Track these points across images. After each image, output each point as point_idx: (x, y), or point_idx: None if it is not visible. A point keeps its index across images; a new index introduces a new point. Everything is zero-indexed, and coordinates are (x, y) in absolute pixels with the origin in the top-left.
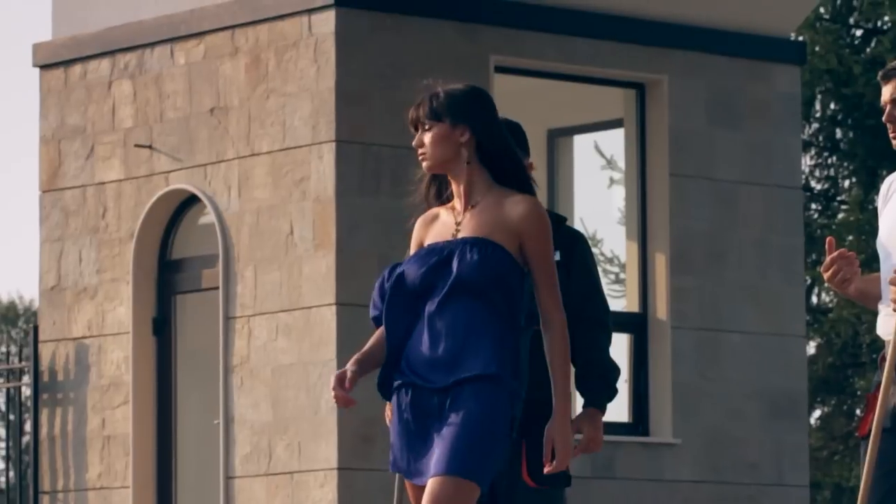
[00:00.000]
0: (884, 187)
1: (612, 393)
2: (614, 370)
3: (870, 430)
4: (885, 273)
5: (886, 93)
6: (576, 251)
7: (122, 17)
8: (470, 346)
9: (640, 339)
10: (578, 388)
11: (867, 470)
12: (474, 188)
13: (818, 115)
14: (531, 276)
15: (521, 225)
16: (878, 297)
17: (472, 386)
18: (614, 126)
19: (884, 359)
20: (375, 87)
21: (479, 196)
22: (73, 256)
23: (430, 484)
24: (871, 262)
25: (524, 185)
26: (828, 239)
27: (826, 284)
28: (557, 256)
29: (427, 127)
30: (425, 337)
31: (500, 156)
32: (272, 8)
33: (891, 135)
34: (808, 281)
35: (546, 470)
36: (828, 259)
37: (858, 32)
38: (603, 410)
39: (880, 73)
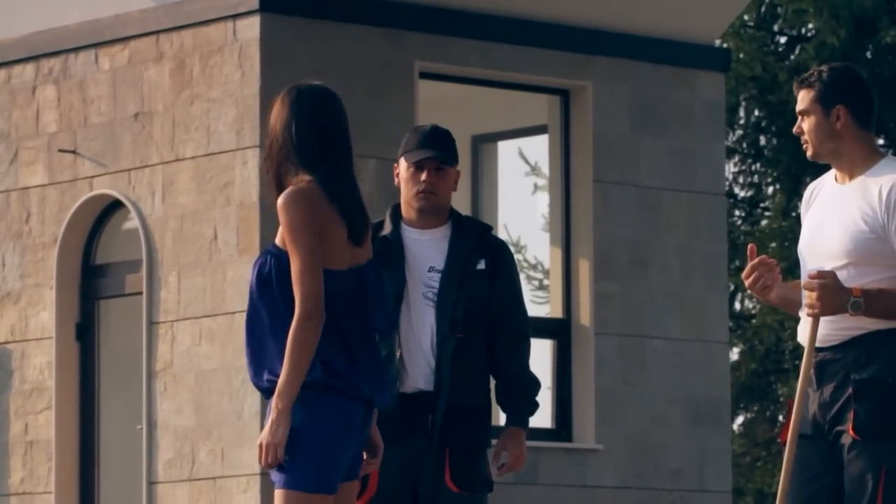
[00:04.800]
0: (806, 194)
1: (533, 408)
2: (535, 384)
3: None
4: (804, 280)
5: (799, 103)
6: (500, 261)
7: (46, 22)
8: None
9: (564, 346)
10: (500, 403)
11: (783, 475)
12: None
13: (742, 121)
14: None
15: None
16: (799, 304)
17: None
18: (538, 132)
19: None
20: None
21: None
22: None
23: None
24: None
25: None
26: (749, 246)
27: (749, 291)
28: (482, 265)
29: None
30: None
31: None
32: (197, 13)
33: (803, 145)
34: (732, 287)
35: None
36: (749, 266)
37: (783, 40)
38: (526, 428)
39: (795, 81)
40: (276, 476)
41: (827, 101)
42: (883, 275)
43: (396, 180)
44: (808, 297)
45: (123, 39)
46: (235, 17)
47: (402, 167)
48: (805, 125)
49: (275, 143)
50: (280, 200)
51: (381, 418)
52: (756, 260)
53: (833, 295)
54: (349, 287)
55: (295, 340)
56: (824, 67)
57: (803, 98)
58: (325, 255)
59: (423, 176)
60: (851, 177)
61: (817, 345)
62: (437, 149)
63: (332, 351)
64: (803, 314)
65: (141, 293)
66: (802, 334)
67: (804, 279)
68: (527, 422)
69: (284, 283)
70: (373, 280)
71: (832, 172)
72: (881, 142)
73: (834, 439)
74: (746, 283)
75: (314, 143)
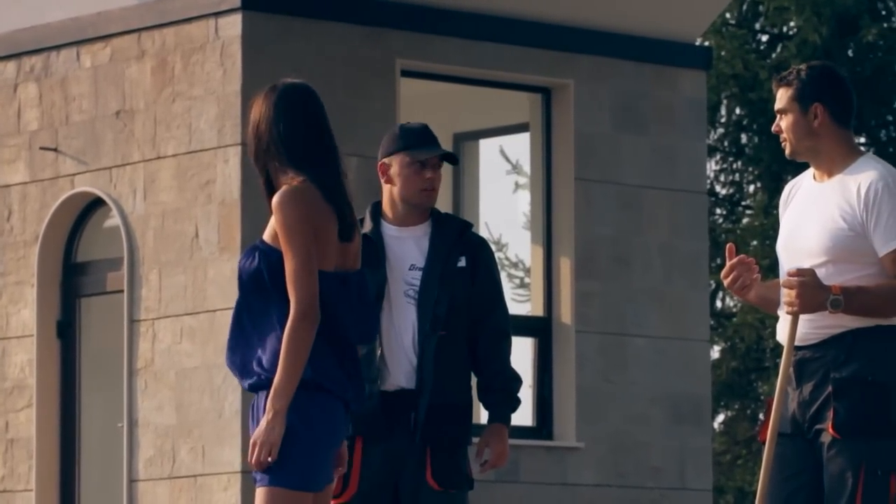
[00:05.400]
0: (785, 192)
1: (515, 404)
2: (516, 380)
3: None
4: (783, 278)
5: (777, 101)
6: (481, 258)
7: (27, 20)
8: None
9: (545, 344)
10: (482, 400)
11: (763, 474)
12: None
13: (723, 119)
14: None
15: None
16: (778, 303)
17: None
18: (520, 130)
19: None
20: None
21: None
22: None
23: None
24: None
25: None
26: (728, 245)
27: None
28: (463, 262)
29: None
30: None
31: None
32: (179, 11)
33: (782, 143)
34: (713, 285)
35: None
36: (728, 265)
37: (764, 38)
38: (508, 424)
39: (774, 80)
40: (259, 474)
41: (805, 100)
42: (861, 272)
43: (383, 178)
44: (787, 294)
45: (105, 37)
46: (217, 14)
47: (402, 163)
48: (783, 123)
49: (261, 142)
50: (276, 199)
51: (363, 417)
52: (735, 259)
53: (812, 292)
54: (334, 289)
55: (291, 340)
56: (803, 66)
57: (782, 96)
58: (317, 255)
59: (429, 173)
60: (830, 175)
61: (797, 343)
62: (440, 147)
63: (319, 351)
64: (782, 313)
65: (122, 291)
66: (781, 333)
67: (783, 277)
68: (509, 418)
69: (277, 279)
70: (355, 291)
71: (811, 171)
72: (862, 140)
73: (813, 438)
74: (725, 282)
75: (302, 141)
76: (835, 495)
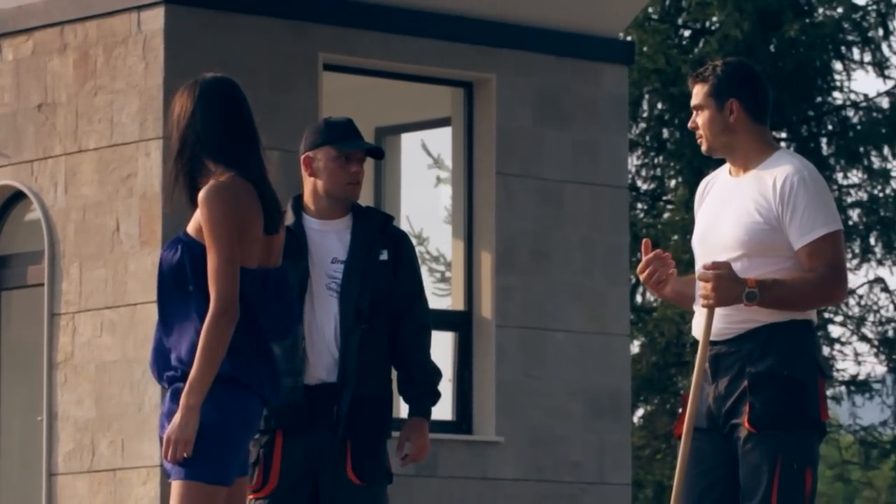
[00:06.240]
0: (700, 188)
1: (435, 398)
2: (437, 374)
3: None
4: (699, 272)
5: (693, 98)
6: (402, 252)
7: None
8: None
9: (465, 338)
10: (402, 393)
11: (679, 469)
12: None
13: (645, 114)
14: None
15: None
16: (693, 298)
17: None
18: (442, 125)
19: None
20: None
21: None
22: None
23: None
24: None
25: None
26: (644, 240)
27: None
28: (385, 256)
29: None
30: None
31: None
32: (101, 4)
33: (698, 140)
34: (633, 280)
35: None
36: (643, 260)
37: (686, 33)
38: (429, 418)
39: (690, 76)
40: (173, 468)
41: (720, 96)
42: (776, 266)
43: (307, 171)
44: (702, 287)
45: (27, 30)
46: (140, 8)
47: (327, 157)
48: (699, 119)
49: (185, 137)
50: (203, 194)
51: (285, 410)
52: (651, 254)
53: (728, 285)
54: (254, 286)
55: (208, 337)
56: (718, 62)
57: (697, 93)
58: (241, 252)
59: (354, 167)
60: (746, 170)
61: (712, 338)
62: (366, 142)
63: (237, 346)
64: (698, 308)
65: (43, 284)
66: (697, 328)
67: (699, 271)
68: (430, 412)
69: (198, 273)
70: (274, 288)
71: (726, 166)
72: (784, 136)
73: (729, 432)
74: (641, 277)
75: (230, 136)
76: (751, 489)
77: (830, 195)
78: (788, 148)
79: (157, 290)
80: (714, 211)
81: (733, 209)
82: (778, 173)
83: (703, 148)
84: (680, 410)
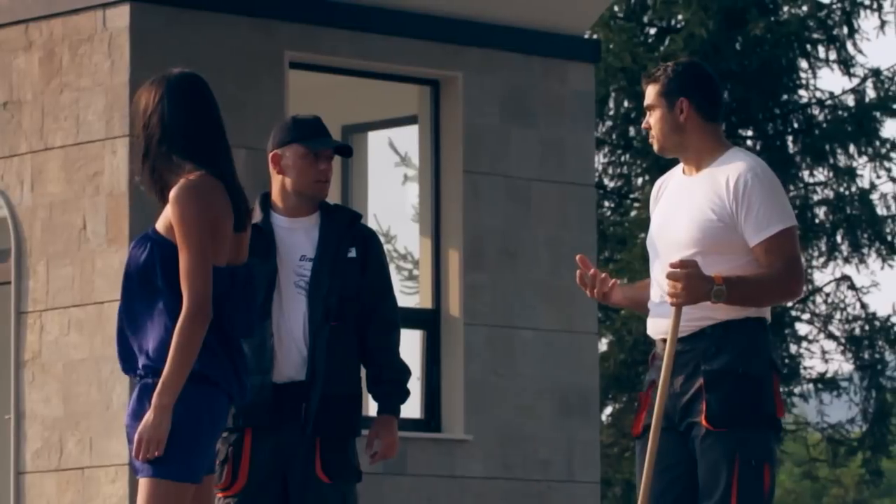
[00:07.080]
0: (655, 188)
1: (404, 396)
2: (406, 372)
3: (644, 429)
4: (655, 273)
5: (645, 98)
6: (370, 249)
7: None
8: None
9: (433, 336)
10: (371, 391)
11: (647, 468)
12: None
13: (612, 112)
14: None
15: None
16: (646, 303)
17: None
18: (409, 123)
19: (655, 357)
20: None
21: None
22: None
23: None
24: None
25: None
26: (578, 256)
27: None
28: (353, 253)
29: None
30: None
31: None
32: (67, 2)
33: (650, 140)
34: None
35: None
36: (579, 278)
37: (652, 31)
38: (398, 416)
39: (643, 77)
40: (142, 465)
41: (670, 95)
42: (730, 263)
43: (275, 168)
44: (671, 286)
45: None
46: (105, 6)
47: (296, 154)
48: (651, 119)
49: (151, 135)
50: (175, 193)
51: (254, 408)
52: (589, 271)
53: (697, 283)
54: (224, 284)
55: (182, 336)
56: (670, 63)
57: (649, 93)
58: (213, 251)
59: (323, 165)
60: (699, 169)
61: (665, 336)
62: (334, 140)
63: (207, 344)
64: (653, 307)
65: (9, 282)
66: (653, 328)
67: (654, 272)
68: (398, 409)
69: (168, 272)
70: (242, 283)
71: (680, 166)
72: (749, 134)
73: (686, 430)
74: (587, 293)
75: (199, 133)
76: (710, 487)
77: (783, 191)
78: (755, 146)
79: (122, 285)
80: (668, 210)
81: (687, 208)
82: (731, 171)
83: (655, 148)
84: (637, 409)
